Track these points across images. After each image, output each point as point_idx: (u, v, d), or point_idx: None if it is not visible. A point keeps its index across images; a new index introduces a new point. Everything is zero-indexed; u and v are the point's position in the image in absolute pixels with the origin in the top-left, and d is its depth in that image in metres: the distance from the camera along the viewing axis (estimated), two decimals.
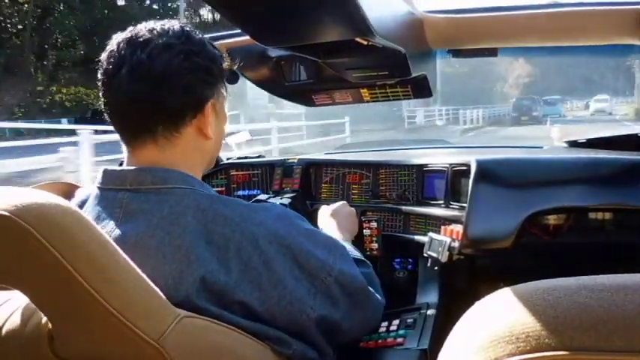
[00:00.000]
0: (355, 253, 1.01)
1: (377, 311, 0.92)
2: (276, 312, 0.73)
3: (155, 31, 0.77)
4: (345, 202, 1.38)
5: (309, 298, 0.77)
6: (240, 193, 1.78)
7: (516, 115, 24.99)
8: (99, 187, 0.78)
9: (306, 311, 0.76)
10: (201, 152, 0.83)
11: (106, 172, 0.79)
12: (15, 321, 0.67)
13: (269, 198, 1.58)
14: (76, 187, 0.93)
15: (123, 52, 0.76)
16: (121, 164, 0.82)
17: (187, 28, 0.80)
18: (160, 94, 0.75)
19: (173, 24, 0.80)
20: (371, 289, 0.89)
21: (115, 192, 0.76)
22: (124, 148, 0.81)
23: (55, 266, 0.57)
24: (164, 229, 0.71)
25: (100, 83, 0.78)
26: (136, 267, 0.63)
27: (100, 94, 0.79)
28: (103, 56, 0.78)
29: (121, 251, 0.63)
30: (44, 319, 0.64)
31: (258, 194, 1.69)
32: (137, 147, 0.79)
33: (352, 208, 1.36)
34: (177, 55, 0.75)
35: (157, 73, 0.74)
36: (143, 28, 0.78)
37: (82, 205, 0.79)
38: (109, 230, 0.72)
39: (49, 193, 0.62)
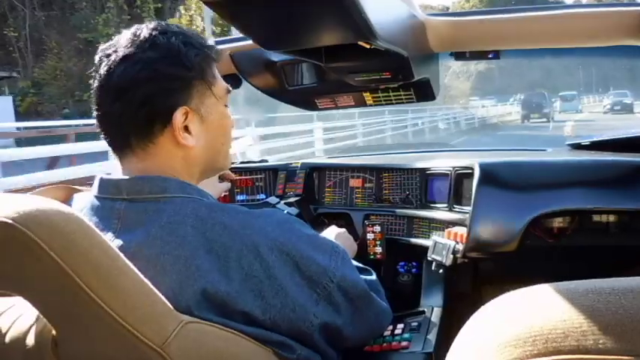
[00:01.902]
0: (357, 263, 1.00)
1: (381, 318, 0.91)
2: (278, 320, 0.72)
3: (124, 39, 0.76)
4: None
5: (312, 305, 0.75)
6: (244, 197, 1.78)
7: (526, 112, 23.00)
8: (95, 196, 0.77)
9: (309, 318, 0.75)
10: (187, 160, 0.80)
11: (102, 181, 0.78)
12: (19, 328, 0.67)
13: (278, 202, 1.58)
14: (75, 189, 0.92)
15: (98, 64, 0.77)
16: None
17: (156, 33, 0.76)
18: (119, 107, 0.74)
19: (143, 29, 0.77)
20: (373, 294, 0.88)
21: (111, 201, 0.75)
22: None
23: (58, 273, 0.57)
24: (163, 239, 0.70)
25: None
26: (138, 272, 0.63)
27: None
28: None
29: (123, 257, 0.62)
30: (48, 325, 0.64)
31: (262, 199, 1.69)
32: (121, 157, 0.79)
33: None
34: (134, 65, 0.73)
35: (113, 87, 0.74)
36: (122, 36, 0.77)
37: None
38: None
39: (50, 199, 0.62)
